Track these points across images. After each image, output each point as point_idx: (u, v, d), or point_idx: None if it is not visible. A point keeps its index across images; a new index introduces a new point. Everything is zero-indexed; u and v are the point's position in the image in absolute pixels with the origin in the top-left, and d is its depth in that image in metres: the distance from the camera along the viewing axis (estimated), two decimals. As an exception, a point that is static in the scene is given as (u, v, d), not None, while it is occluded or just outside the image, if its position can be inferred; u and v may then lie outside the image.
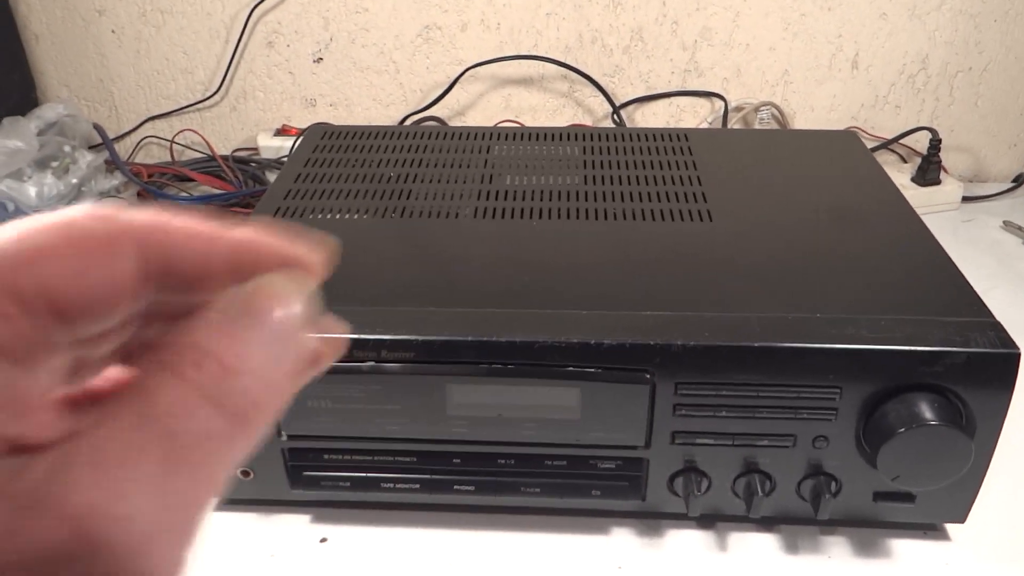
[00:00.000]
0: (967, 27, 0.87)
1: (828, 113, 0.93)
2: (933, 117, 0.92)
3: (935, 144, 0.87)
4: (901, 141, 0.92)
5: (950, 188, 0.89)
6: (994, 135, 0.93)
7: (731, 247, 0.56)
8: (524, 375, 0.48)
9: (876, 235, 0.57)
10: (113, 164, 0.87)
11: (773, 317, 0.48)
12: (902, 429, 0.45)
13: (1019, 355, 0.45)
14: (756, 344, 0.46)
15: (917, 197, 0.88)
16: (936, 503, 0.50)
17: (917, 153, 0.91)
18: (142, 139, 1.00)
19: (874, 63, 0.90)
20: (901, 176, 0.90)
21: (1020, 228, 0.84)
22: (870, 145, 0.93)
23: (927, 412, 0.45)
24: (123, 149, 1.00)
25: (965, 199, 0.90)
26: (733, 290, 0.51)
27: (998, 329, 0.47)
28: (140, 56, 0.96)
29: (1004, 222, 0.86)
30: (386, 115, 0.97)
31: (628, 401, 0.48)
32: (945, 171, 0.90)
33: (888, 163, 0.94)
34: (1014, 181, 0.94)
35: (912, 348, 0.46)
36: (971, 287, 0.51)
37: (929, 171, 0.88)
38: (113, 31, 0.95)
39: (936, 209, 0.89)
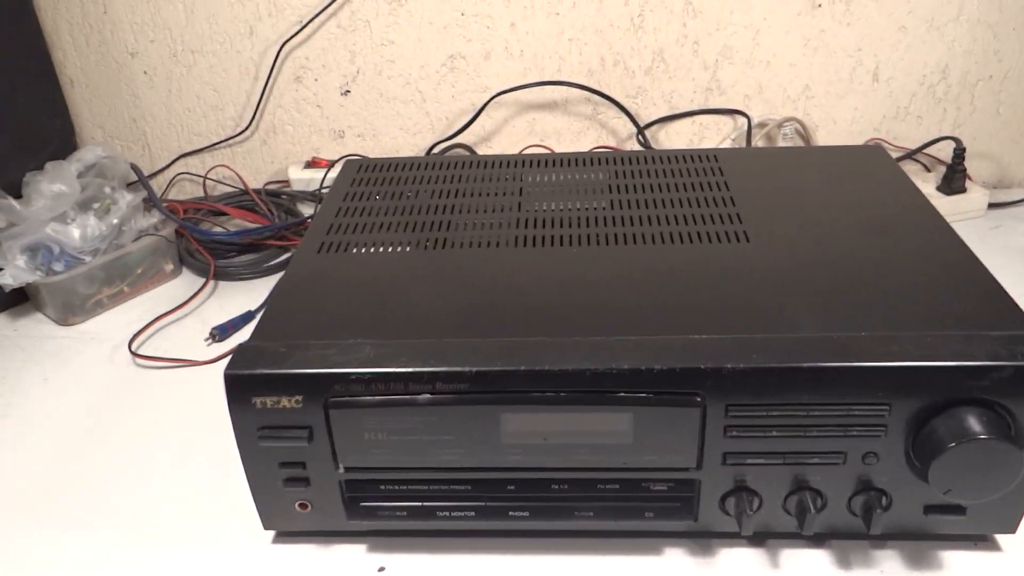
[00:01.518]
0: (985, 36, 0.88)
1: (850, 126, 0.94)
2: (955, 126, 0.93)
3: (959, 153, 0.87)
4: (925, 151, 0.93)
5: (976, 196, 0.89)
6: (1017, 141, 0.94)
7: (771, 267, 0.57)
8: (577, 402, 0.49)
9: (911, 248, 0.58)
10: (151, 203, 0.89)
11: (820, 337, 0.49)
12: (952, 444, 0.46)
13: (1064, 367, 0.46)
14: (805, 365, 0.47)
15: (943, 206, 0.89)
16: (987, 514, 0.51)
17: (941, 162, 0.91)
18: (175, 176, 1.02)
19: (894, 75, 0.91)
20: (926, 186, 0.91)
21: (1049, 233, 0.84)
22: (894, 156, 0.94)
23: (976, 426, 0.46)
24: (157, 186, 1.02)
25: (991, 206, 0.91)
26: (777, 310, 0.52)
27: (1042, 341, 0.47)
28: (172, 95, 0.98)
29: (1032, 228, 0.86)
30: (413, 144, 0.99)
31: (679, 424, 0.49)
32: (970, 179, 0.91)
33: (912, 173, 0.95)
34: (1039, 186, 0.94)
35: (959, 364, 0.46)
36: (1012, 299, 0.52)
37: (954, 180, 0.88)
38: (145, 72, 0.97)
39: (963, 217, 0.89)
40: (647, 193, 0.69)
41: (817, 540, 0.54)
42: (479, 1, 0.90)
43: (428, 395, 0.49)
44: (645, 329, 0.51)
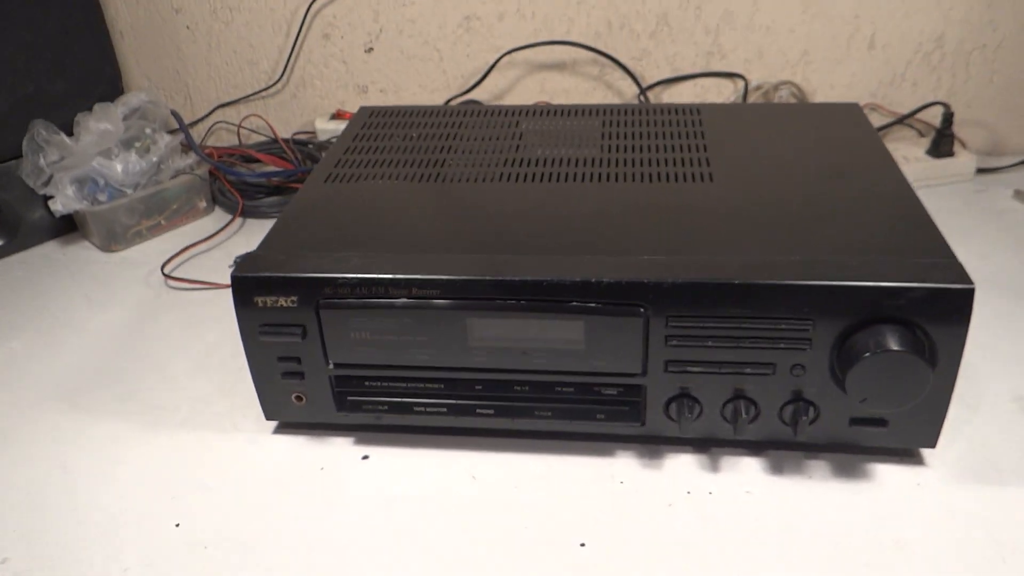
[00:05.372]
0: (981, 5, 0.91)
1: (847, 91, 0.98)
2: (950, 93, 0.96)
3: (948, 118, 0.91)
4: (918, 116, 0.96)
5: (963, 160, 0.93)
6: (1010, 110, 0.97)
7: (726, 202, 0.62)
8: (535, 310, 0.55)
9: (860, 190, 0.63)
10: (188, 145, 0.97)
11: (755, 259, 0.54)
12: (867, 354, 0.51)
13: (972, 290, 0.50)
14: (736, 281, 0.52)
15: (932, 169, 0.92)
16: (908, 428, 0.56)
17: (934, 127, 0.95)
18: (213, 124, 1.10)
19: (890, 42, 0.95)
20: (917, 149, 0.94)
21: (1030, 196, 0.87)
22: (887, 120, 0.98)
23: (890, 340, 0.51)
24: (196, 133, 1.11)
25: (980, 171, 0.94)
26: (723, 238, 0.58)
27: (957, 268, 0.52)
28: (211, 49, 1.06)
29: (1015, 191, 0.89)
30: (431, 99, 1.06)
31: (625, 332, 0.55)
32: (962, 144, 0.94)
33: (906, 138, 0.99)
34: (1031, 154, 0.97)
35: (876, 284, 0.51)
36: (939, 232, 0.56)
37: (942, 144, 0.92)
38: (188, 27, 1.05)
39: (950, 180, 0.93)
40: (633, 140, 0.74)
41: (756, 448, 0.59)
42: (494, -35, 0.96)
43: (404, 299, 0.56)
44: (603, 250, 0.57)
